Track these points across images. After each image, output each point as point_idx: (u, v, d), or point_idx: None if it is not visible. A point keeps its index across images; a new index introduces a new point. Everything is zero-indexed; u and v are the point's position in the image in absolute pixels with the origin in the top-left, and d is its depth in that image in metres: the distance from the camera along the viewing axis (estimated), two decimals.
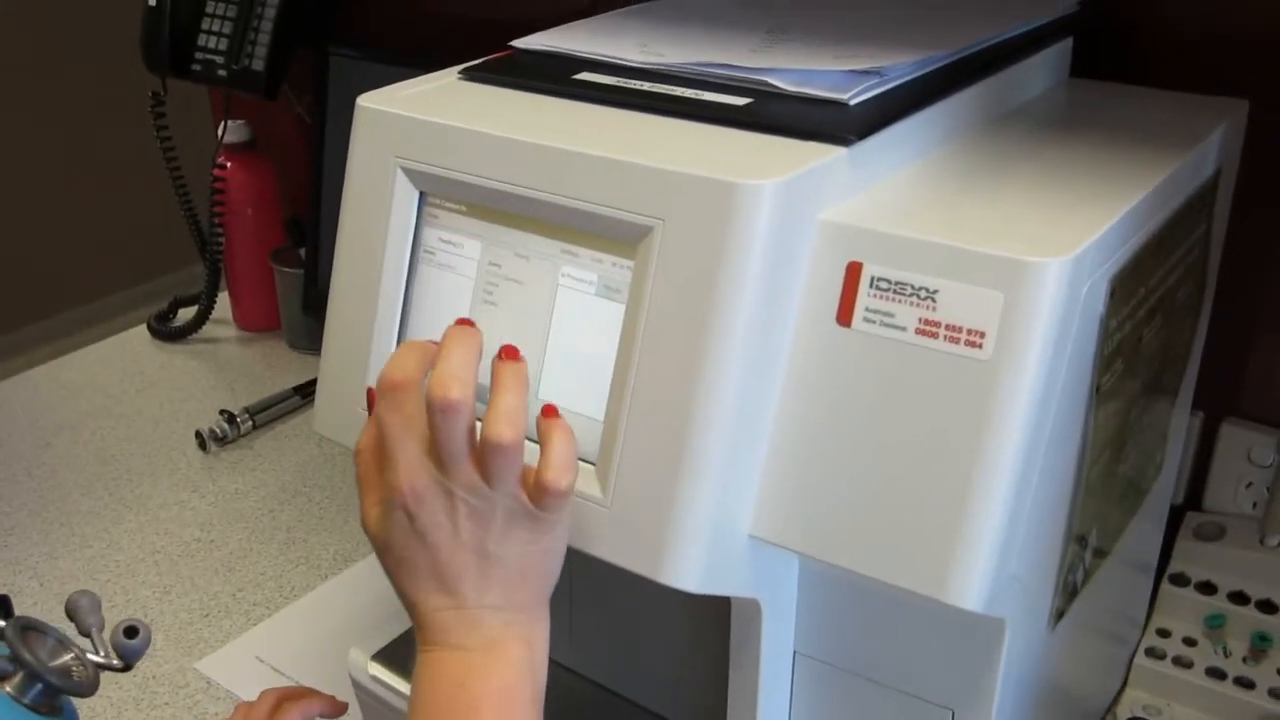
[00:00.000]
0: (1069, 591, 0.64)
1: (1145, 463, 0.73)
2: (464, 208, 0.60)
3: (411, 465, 0.54)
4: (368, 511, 0.57)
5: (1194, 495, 0.91)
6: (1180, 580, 0.89)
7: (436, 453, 0.53)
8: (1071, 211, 0.55)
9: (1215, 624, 0.87)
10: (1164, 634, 0.88)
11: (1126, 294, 0.58)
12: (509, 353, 0.54)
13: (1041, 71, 0.73)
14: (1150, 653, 0.87)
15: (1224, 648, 0.86)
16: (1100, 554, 0.69)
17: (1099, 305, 0.55)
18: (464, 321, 0.55)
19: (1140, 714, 0.84)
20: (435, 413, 0.52)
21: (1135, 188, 0.58)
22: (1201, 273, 0.73)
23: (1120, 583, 0.79)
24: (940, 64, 0.64)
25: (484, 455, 0.53)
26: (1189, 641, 0.87)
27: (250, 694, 0.89)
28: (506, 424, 0.52)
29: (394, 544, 0.56)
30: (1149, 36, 0.81)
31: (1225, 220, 0.76)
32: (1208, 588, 0.88)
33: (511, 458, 0.52)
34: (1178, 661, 0.86)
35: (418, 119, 0.59)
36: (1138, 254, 0.58)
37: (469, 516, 0.54)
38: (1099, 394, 0.58)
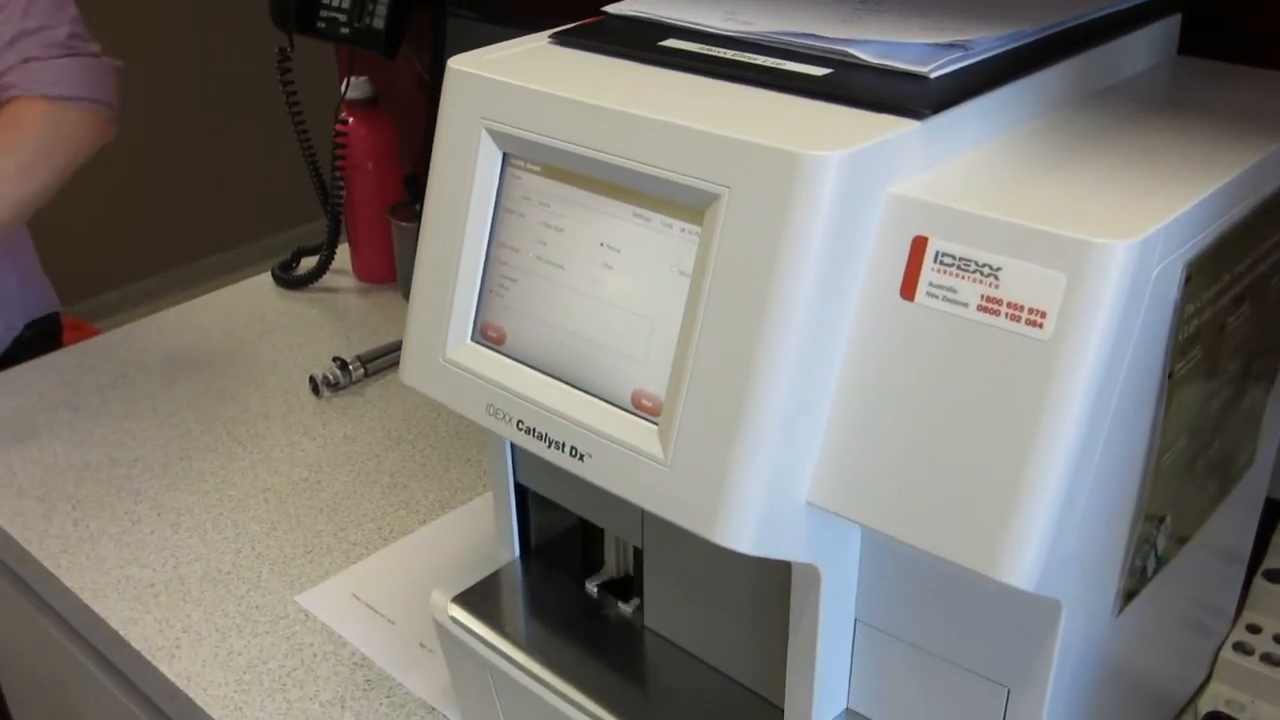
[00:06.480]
0: (1136, 575, 0.63)
1: (1235, 450, 0.71)
2: (540, 168, 0.61)
3: None
4: None
5: None
6: (1275, 576, 0.87)
7: None
8: (1150, 193, 0.54)
9: None
10: (1254, 630, 0.86)
11: (1206, 280, 0.57)
12: None
13: (1144, 48, 0.71)
14: (1238, 648, 0.85)
15: None
16: (1180, 540, 0.68)
17: (1173, 290, 0.54)
18: None
19: (1222, 709, 0.83)
20: None
21: (1222, 170, 0.57)
22: None
23: (1204, 572, 0.77)
24: (1031, 39, 0.63)
25: None
26: None
27: (345, 629, 0.94)
28: None
29: None
30: (1265, 12, 0.79)
31: None
32: None
33: None
34: (1266, 659, 0.84)
35: (502, 81, 0.61)
36: (1220, 239, 0.57)
37: None
38: (1172, 380, 0.57)
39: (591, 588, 0.79)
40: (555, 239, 0.61)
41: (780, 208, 0.52)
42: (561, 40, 0.67)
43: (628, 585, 0.80)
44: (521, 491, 0.80)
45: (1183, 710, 0.83)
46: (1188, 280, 0.55)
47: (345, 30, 1.26)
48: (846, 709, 0.68)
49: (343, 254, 1.48)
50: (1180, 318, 0.55)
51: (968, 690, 0.62)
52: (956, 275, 0.52)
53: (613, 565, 0.80)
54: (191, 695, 0.89)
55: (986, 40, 0.61)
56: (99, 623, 0.97)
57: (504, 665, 0.74)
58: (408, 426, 1.20)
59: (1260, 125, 0.63)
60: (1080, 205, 0.52)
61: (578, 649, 0.75)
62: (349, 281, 1.48)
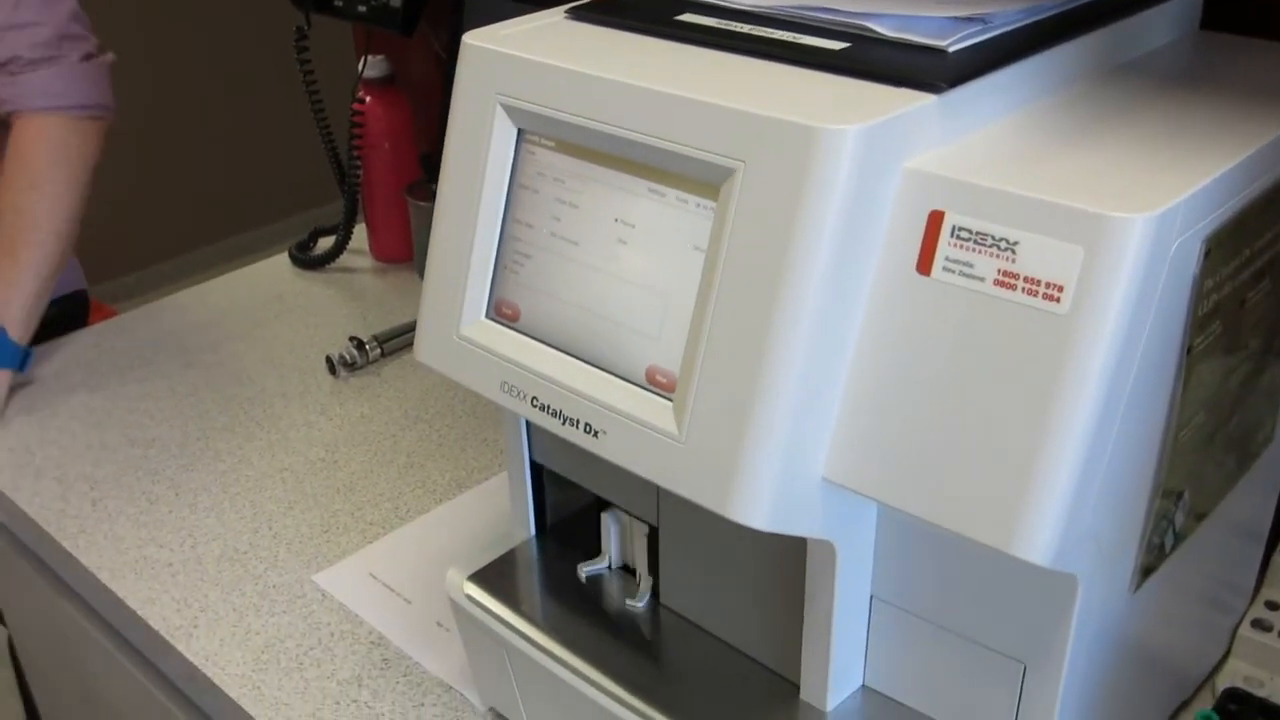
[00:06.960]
0: (1154, 552, 0.63)
1: (1254, 427, 0.71)
2: (554, 144, 0.61)
3: None
4: None
5: None
6: None
7: None
8: (1169, 168, 0.54)
9: None
10: (1273, 606, 0.86)
11: (1226, 255, 0.57)
12: None
13: (1165, 23, 0.71)
14: (1257, 624, 0.85)
15: None
16: (1198, 517, 0.67)
17: (1191, 265, 0.54)
18: None
19: (1240, 685, 0.82)
20: None
21: (1242, 145, 0.56)
22: None
23: (1223, 549, 0.77)
24: (1051, 13, 0.63)
25: None
26: None
27: (362, 608, 0.94)
28: None
29: None
30: None
31: None
32: None
33: None
34: None
35: (517, 56, 0.61)
36: (1241, 214, 0.56)
37: None
38: (1191, 355, 0.57)
39: (582, 574, 0.79)
40: (570, 215, 0.61)
41: (796, 182, 0.51)
42: (577, 15, 0.66)
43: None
44: (537, 470, 0.80)
45: (1201, 687, 0.83)
46: (1207, 255, 0.54)
47: (362, 9, 1.26)
48: (862, 685, 0.68)
49: (360, 234, 1.48)
50: (1199, 292, 0.55)
51: (984, 666, 0.62)
52: (973, 250, 0.52)
53: (613, 555, 0.79)
54: (209, 674, 0.89)
55: (1005, 14, 0.60)
56: (117, 603, 0.98)
57: (520, 643, 0.75)
58: (424, 406, 1.20)
59: None
60: (1098, 179, 0.52)
61: (593, 627, 0.75)
62: (366, 261, 1.49)
